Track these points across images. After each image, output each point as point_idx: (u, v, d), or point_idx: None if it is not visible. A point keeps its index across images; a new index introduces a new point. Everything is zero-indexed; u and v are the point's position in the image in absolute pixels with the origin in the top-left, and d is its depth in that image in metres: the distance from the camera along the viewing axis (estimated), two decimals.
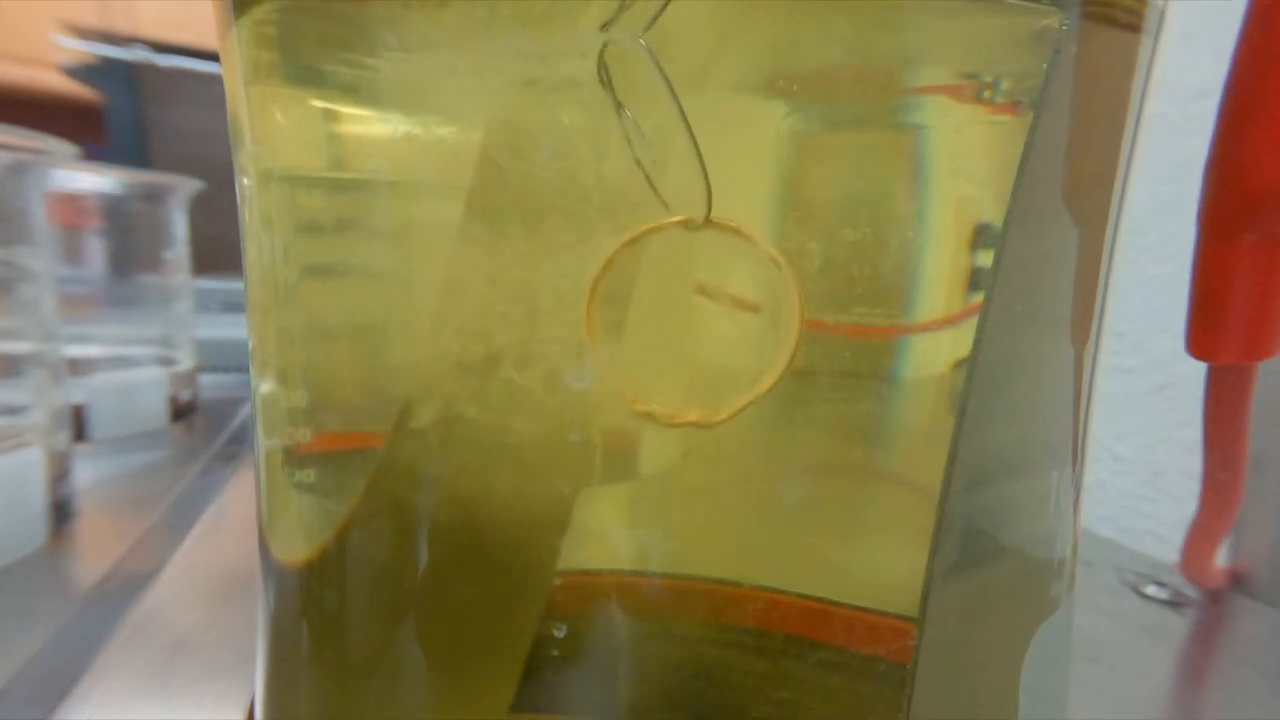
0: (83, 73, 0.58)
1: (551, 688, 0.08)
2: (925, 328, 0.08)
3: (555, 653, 0.08)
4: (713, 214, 0.07)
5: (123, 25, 0.59)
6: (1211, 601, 0.21)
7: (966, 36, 0.07)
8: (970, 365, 0.07)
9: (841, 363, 0.07)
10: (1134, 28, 0.08)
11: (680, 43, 0.07)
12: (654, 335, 0.07)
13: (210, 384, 0.38)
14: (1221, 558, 0.21)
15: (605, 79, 0.07)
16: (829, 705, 0.08)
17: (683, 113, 0.07)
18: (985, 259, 0.07)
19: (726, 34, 0.07)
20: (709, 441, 0.07)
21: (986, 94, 0.07)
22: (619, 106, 0.07)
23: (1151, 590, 0.21)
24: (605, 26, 0.07)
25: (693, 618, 0.08)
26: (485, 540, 0.08)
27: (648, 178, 0.07)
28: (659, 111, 0.07)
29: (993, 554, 0.08)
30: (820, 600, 0.08)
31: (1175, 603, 0.20)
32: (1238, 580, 0.22)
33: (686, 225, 0.07)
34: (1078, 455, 0.09)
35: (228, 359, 0.42)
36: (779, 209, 0.07)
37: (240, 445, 0.30)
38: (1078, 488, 0.09)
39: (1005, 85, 0.07)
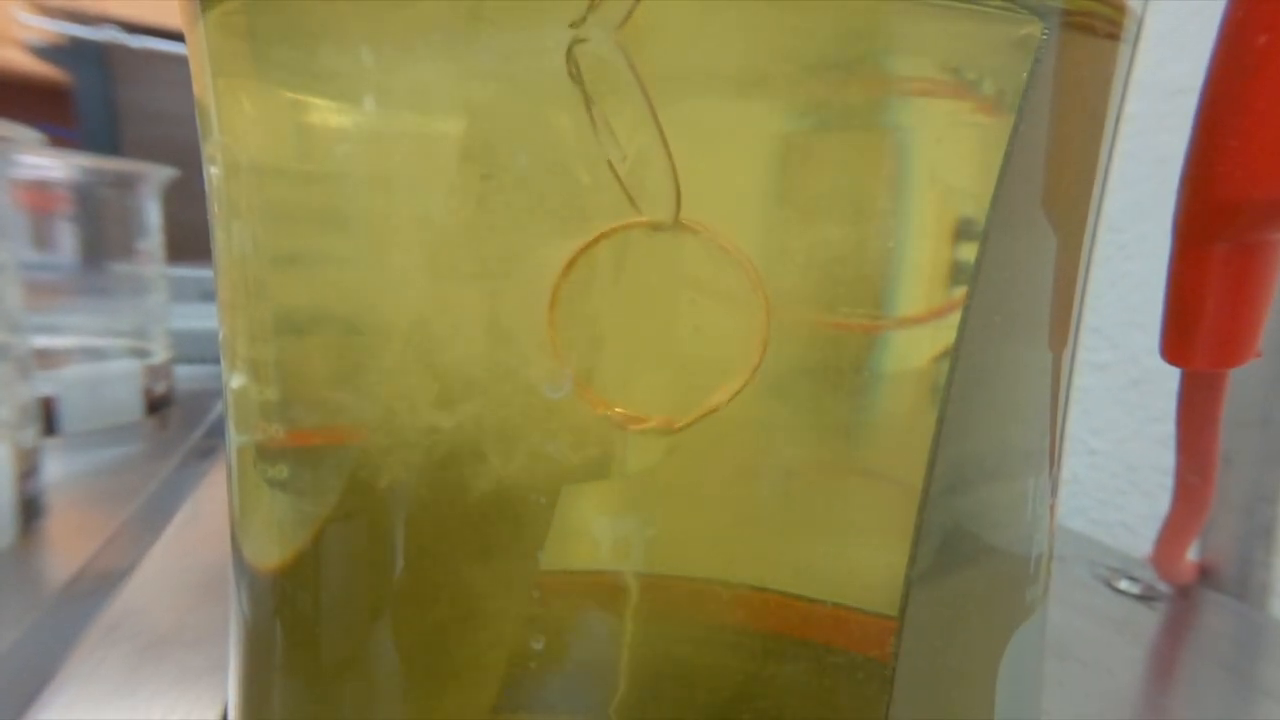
0: (51, 53, 0.57)
1: (533, 688, 0.08)
2: (907, 323, 0.08)
3: (536, 654, 0.08)
4: (690, 214, 0.07)
5: (92, 3, 0.57)
6: (1181, 596, 0.21)
7: (949, 41, 0.07)
8: (950, 371, 0.08)
9: (823, 358, 0.07)
10: (1113, 36, 0.08)
11: (663, 41, 0.07)
12: (619, 339, 0.07)
13: (186, 376, 0.37)
14: (1191, 553, 0.21)
15: (576, 75, 0.06)
16: (812, 705, 0.08)
17: (653, 111, 0.06)
18: (966, 254, 0.07)
19: (710, 33, 0.07)
20: (691, 438, 0.07)
21: (969, 97, 0.07)
22: (589, 103, 0.07)
23: (1124, 585, 0.21)
24: (575, 25, 0.06)
25: (675, 618, 0.08)
26: (464, 542, 0.08)
27: (617, 176, 0.07)
28: (633, 110, 0.07)
29: (971, 557, 0.08)
30: (803, 598, 0.08)
31: (1146, 597, 0.21)
32: (1206, 575, 0.23)
33: (653, 227, 0.07)
34: (1054, 459, 0.09)
35: (204, 350, 0.41)
36: (762, 207, 0.07)
37: (217, 440, 0.29)
38: (1054, 491, 0.09)
39: (988, 89, 0.07)
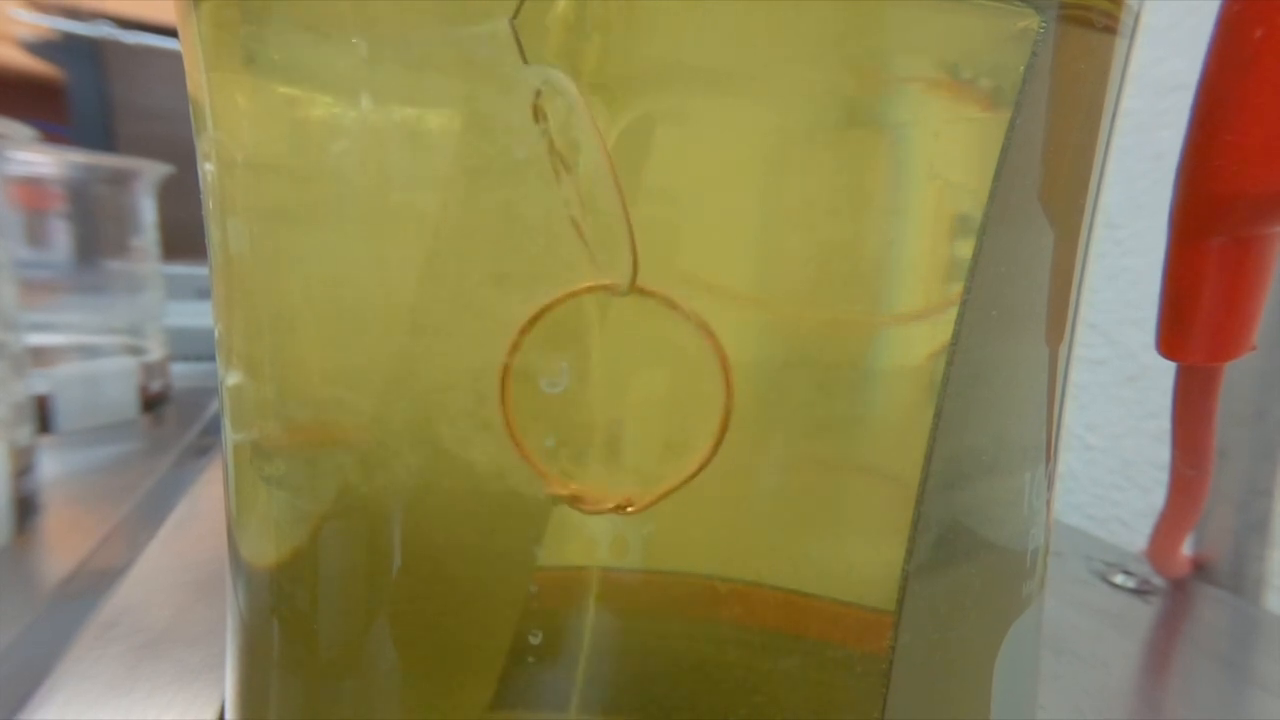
0: (44, 49, 0.56)
1: (530, 685, 0.08)
2: (904, 320, 0.08)
3: (533, 649, 0.08)
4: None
5: None
6: (1176, 589, 0.21)
7: (947, 36, 0.07)
8: (947, 367, 0.08)
9: (820, 355, 0.07)
10: (1110, 30, 0.08)
11: (659, 38, 0.07)
12: (576, 409, 0.07)
13: (183, 373, 0.37)
14: (1186, 547, 0.21)
15: (544, 125, 0.06)
16: (809, 700, 0.08)
17: (612, 166, 0.06)
18: (963, 249, 0.07)
19: (706, 30, 0.07)
20: (689, 436, 0.07)
21: (966, 92, 0.07)
22: (553, 155, 0.06)
23: (1119, 579, 0.21)
24: (515, 17, 0.06)
25: (672, 613, 0.08)
26: (461, 538, 0.08)
27: (580, 233, 0.07)
28: (599, 165, 0.06)
29: (967, 552, 0.08)
30: (801, 594, 0.08)
31: (1142, 591, 0.21)
32: (1201, 569, 0.23)
33: (610, 291, 0.07)
34: (1051, 453, 0.09)
35: (200, 348, 0.41)
36: (759, 203, 0.07)
37: (214, 437, 0.29)
38: (1050, 485, 0.09)
39: (985, 83, 0.07)
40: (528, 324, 0.07)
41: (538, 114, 0.06)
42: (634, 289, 0.07)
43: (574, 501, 0.07)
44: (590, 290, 0.07)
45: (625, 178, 0.07)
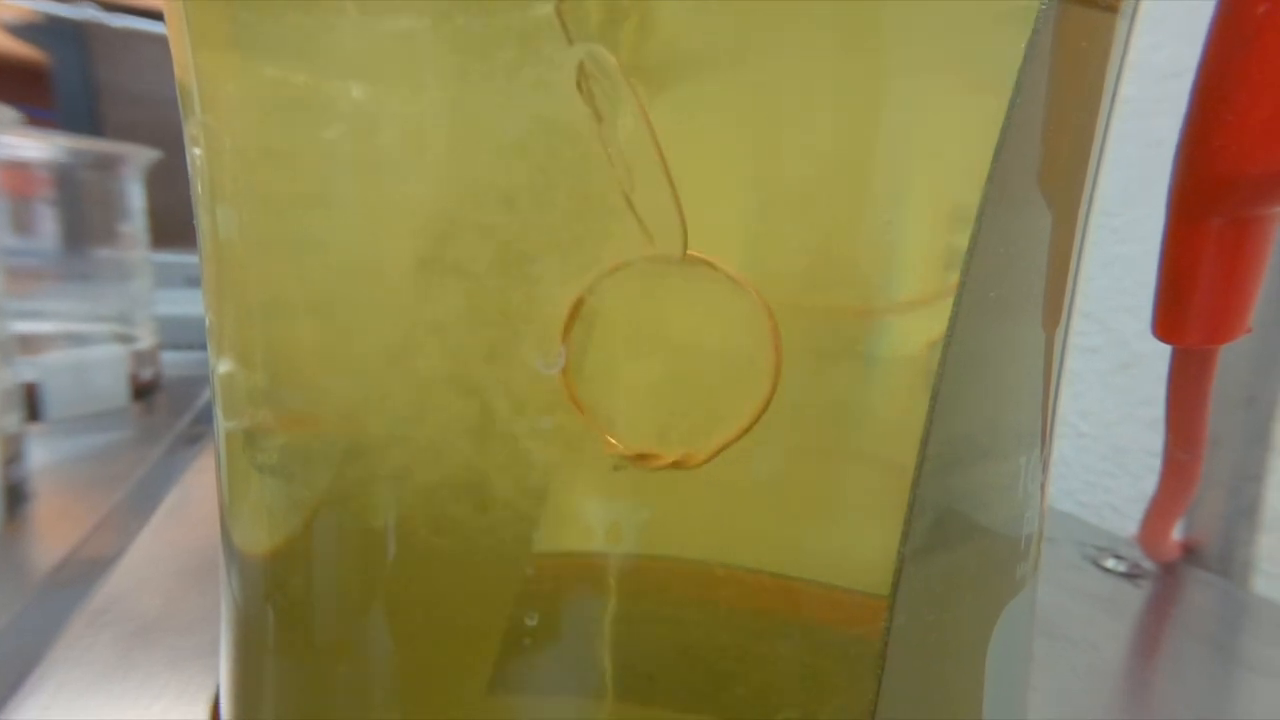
0: (28, 32, 0.55)
1: (526, 669, 0.08)
2: (901, 308, 0.08)
3: (530, 634, 0.08)
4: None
5: None
6: (1166, 573, 0.22)
7: (947, 14, 0.07)
8: (944, 350, 0.07)
9: (817, 343, 0.07)
10: (1111, 8, 0.08)
11: (653, 23, 0.07)
12: (631, 373, 0.07)
13: (174, 362, 0.37)
14: (1176, 531, 0.22)
15: (587, 93, 0.06)
16: (804, 682, 0.08)
17: (654, 136, 0.06)
18: (961, 232, 0.07)
19: (700, 12, 0.07)
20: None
21: (966, 72, 0.07)
22: (599, 123, 0.06)
23: (1110, 563, 0.22)
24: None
25: (669, 597, 0.08)
26: (456, 523, 0.08)
27: (629, 202, 0.07)
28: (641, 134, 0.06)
29: (963, 536, 0.08)
30: (796, 579, 0.08)
31: (1132, 575, 0.21)
32: (1191, 553, 0.23)
33: (663, 259, 0.07)
34: (1046, 438, 0.09)
35: (191, 336, 0.41)
36: (755, 190, 0.07)
37: (205, 426, 0.29)
38: (1045, 470, 0.10)
39: (985, 64, 0.07)
40: (585, 291, 0.07)
41: (581, 89, 0.06)
42: (684, 256, 0.07)
43: (638, 460, 0.07)
44: (645, 259, 0.07)
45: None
